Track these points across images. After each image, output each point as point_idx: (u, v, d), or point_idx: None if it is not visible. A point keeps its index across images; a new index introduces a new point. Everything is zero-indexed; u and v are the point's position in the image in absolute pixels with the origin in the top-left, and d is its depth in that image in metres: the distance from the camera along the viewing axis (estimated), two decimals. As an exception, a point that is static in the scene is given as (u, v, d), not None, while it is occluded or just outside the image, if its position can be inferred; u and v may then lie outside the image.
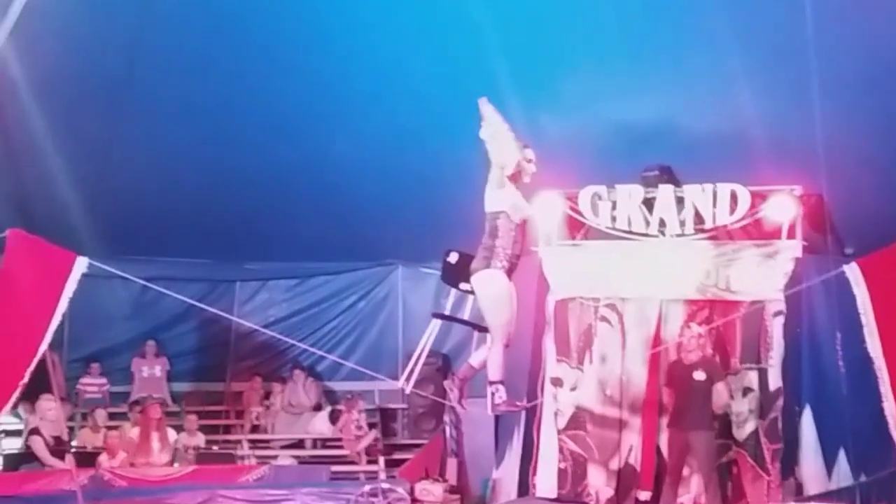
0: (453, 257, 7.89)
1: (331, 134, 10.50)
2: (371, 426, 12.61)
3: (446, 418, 12.07)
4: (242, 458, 11.82)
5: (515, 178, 6.57)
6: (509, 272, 6.59)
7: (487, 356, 6.70)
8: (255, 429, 13.08)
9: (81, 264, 9.03)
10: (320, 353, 12.01)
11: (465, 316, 8.58)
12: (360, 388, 13.11)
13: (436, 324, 8.41)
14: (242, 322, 12.18)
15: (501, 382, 6.58)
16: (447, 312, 8.97)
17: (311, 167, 10.96)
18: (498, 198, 6.52)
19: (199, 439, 11.66)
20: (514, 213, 6.54)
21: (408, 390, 7.72)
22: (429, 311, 10.32)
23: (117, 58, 9.63)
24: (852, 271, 9.17)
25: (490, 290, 6.53)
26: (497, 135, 6.36)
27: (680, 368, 9.81)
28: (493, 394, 6.63)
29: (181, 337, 13.36)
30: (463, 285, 7.64)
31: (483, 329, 6.96)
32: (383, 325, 13.71)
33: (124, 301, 13.06)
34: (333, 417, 12.67)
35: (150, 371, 13.07)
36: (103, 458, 10.54)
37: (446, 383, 6.99)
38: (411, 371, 8.63)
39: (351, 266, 13.59)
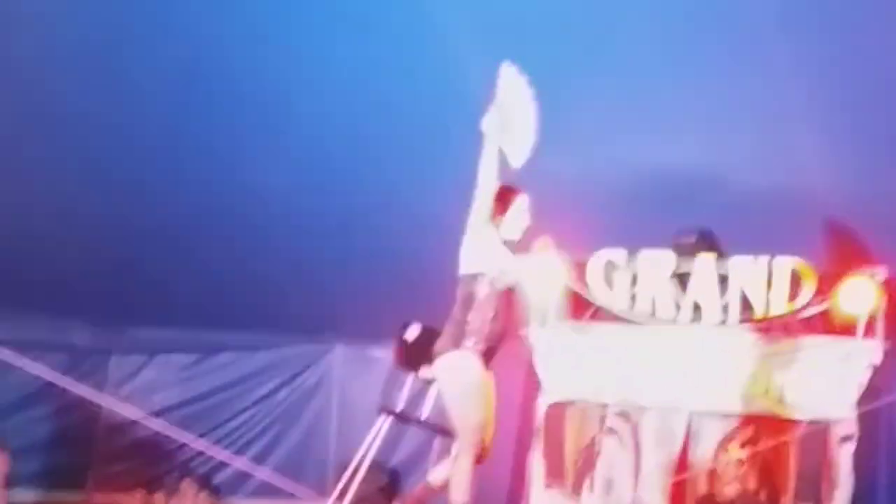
0: (412, 332, 7.98)
1: (257, 160, 10.52)
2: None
3: (390, 559, 12.09)
4: None
5: (499, 211, 6.69)
6: (486, 357, 6.63)
7: (451, 472, 6.73)
8: (125, 558, 13.00)
9: None
10: (221, 456, 11.97)
11: (425, 417, 8.67)
12: (272, 509, 13.13)
13: (384, 423, 8.45)
14: (113, 407, 12.20)
15: None
16: (400, 409, 9.03)
17: (224, 203, 11.01)
18: (479, 252, 6.57)
19: (45, 574, 11.59)
20: (499, 276, 6.61)
21: None
22: (373, 409, 10.31)
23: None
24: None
25: (457, 378, 6.57)
26: (511, 116, 6.57)
27: (711, 507, 9.86)
28: None
29: (28, 426, 13.26)
30: (424, 371, 7.72)
31: (449, 434, 6.99)
32: (311, 423, 13.79)
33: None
34: (233, 549, 12.69)
35: (-17, 471, 12.96)
36: None
37: None
38: (345, 488, 8.66)
39: (272, 341, 13.72)
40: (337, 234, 11.26)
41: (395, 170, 10.34)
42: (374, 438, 8.19)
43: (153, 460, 13.56)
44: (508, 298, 6.69)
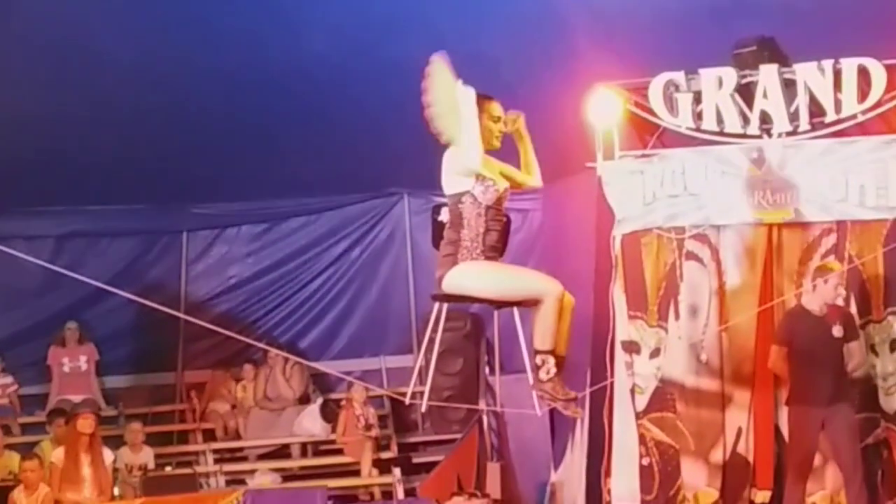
0: (445, 214, 7.74)
1: (302, 29, 10.46)
2: (380, 419, 12.76)
3: (483, 403, 12.17)
4: (207, 476, 12.00)
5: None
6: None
7: (536, 324, 6.69)
8: (221, 433, 13.26)
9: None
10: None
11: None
12: (361, 367, 13.43)
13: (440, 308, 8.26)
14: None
15: (551, 352, 6.59)
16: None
17: (277, 75, 10.94)
18: (456, 179, 6.51)
19: (146, 455, 11.84)
20: (484, 193, 6.52)
21: (424, 407, 7.68)
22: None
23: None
24: None
25: (476, 281, 6.53)
26: (443, 104, 6.33)
27: (807, 321, 9.73)
28: (537, 367, 6.62)
29: (112, 314, 13.46)
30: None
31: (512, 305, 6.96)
32: (388, 278, 13.96)
33: (32, 269, 12.98)
34: (327, 412, 12.85)
35: (73, 364, 13.24)
36: (18, 496, 10.53)
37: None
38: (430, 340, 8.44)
39: (339, 200, 13.78)
40: (391, 90, 11.12)
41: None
42: (437, 316, 7.90)
43: (238, 333, 13.62)
44: (497, 211, 6.57)
